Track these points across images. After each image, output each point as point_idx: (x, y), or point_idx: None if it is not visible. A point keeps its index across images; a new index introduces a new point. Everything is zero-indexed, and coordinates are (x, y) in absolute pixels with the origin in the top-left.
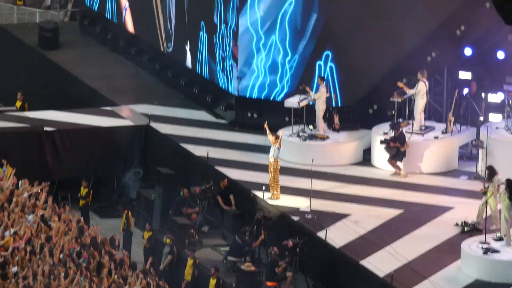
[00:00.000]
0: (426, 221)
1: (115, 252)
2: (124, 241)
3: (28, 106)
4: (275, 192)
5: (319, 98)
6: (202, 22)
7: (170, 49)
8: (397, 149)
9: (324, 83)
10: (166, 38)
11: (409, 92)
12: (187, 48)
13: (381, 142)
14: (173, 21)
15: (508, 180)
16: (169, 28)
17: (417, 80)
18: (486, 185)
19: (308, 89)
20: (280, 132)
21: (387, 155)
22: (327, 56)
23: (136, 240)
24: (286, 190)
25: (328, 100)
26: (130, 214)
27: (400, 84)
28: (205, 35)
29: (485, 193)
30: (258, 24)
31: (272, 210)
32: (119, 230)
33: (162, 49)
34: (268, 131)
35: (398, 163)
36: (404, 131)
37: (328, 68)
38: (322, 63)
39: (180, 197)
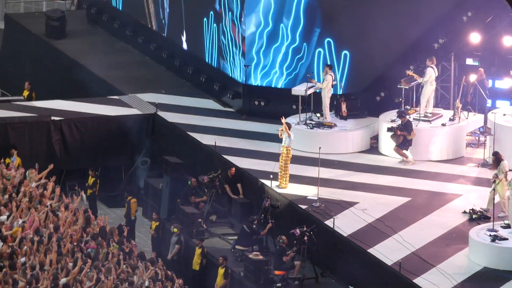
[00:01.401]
0: (433, 208)
1: (134, 242)
2: None
3: (36, 95)
4: (283, 181)
5: (326, 86)
6: (211, 12)
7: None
8: (403, 137)
9: (332, 71)
10: (159, 28)
11: (419, 80)
12: (183, 38)
13: (388, 130)
14: (167, 9)
15: None
16: (161, 18)
17: (425, 67)
18: (494, 172)
19: (313, 81)
20: (283, 120)
21: (393, 144)
22: (329, 43)
23: (144, 230)
24: (294, 179)
25: (335, 87)
26: (132, 200)
27: (409, 73)
28: (213, 24)
29: (495, 180)
30: (263, 11)
31: (280, 199)
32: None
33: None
34: (284, 124)
35: (405, 151)
36: (411, 119)
37: (342, 55)
38: (325, 50)
39: (187, 186)
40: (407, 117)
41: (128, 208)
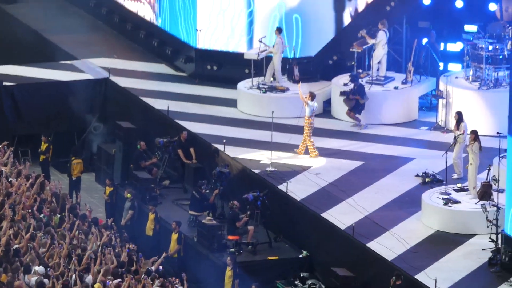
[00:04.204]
0: (386, 172)
1: (88, 208)
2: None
3: None
4: (312, 150)
5: (277, 50)
6: None
7: None
8: (356, 101)
9: (281, 34)
10: None
11: (371, 41)
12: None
13: (341, 94)
14: None
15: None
16: None
17: (377, 30)
18: (457, 133)
19: (264, 44)
20: (298, 88)
21: (346, 107)
22: (281, 6)
23: (97, 195)
24: (247, 143)
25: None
26: (75, 161)
27: (362, 33)
28: None
29: (455, 143)
30: None
31: (233, 163)
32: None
33: None
34: (300, 93)
35: (357, 115)
36: (364, 82)
37: (293, 19)
38: (279, 13)
39: (137, 151)
40: (360, 80)
41: (69, 167)
